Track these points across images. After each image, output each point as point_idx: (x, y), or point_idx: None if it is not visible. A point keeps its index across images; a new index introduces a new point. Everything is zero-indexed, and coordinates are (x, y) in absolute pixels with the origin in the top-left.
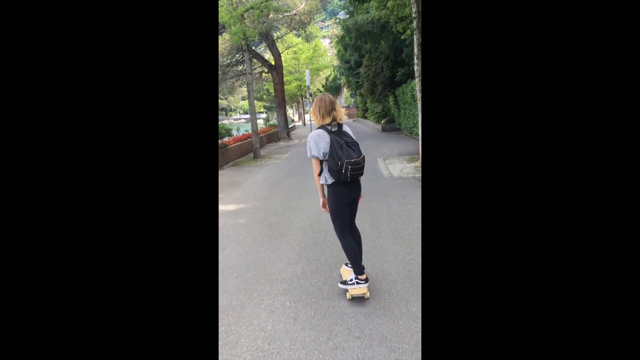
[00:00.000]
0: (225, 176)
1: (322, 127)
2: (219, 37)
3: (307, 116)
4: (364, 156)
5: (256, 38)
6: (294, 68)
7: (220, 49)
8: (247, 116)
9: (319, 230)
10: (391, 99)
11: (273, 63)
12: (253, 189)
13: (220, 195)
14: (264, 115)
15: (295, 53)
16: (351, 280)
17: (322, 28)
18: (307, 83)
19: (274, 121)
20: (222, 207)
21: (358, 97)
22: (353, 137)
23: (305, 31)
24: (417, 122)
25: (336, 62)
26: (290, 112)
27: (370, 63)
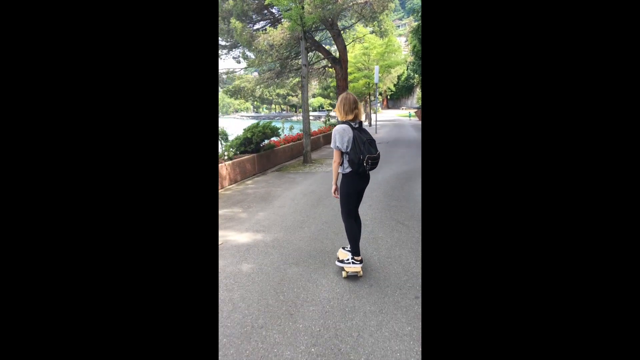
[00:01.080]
0: (262, 184)
1: (346, 122)
2: (279, 25)
3: (374, 116)
4: (379, 153)
5: (316, 25)
6: (364, 64)
7: (278, 39)
8: (317, 113)
9: (351, 312)
10: None
11: (337, 56)
12: (285, 208)
13: (242, 214)
14: (331, 113)
15: (367, 49)
16: (348, 260)
17: (398, 26)
18: (376, 80)
19: (335, 120)
20: (233, 237)
21: None
22: (373, 139)
23: (381, 27)
24: None
25: (410, 59)
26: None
27: None
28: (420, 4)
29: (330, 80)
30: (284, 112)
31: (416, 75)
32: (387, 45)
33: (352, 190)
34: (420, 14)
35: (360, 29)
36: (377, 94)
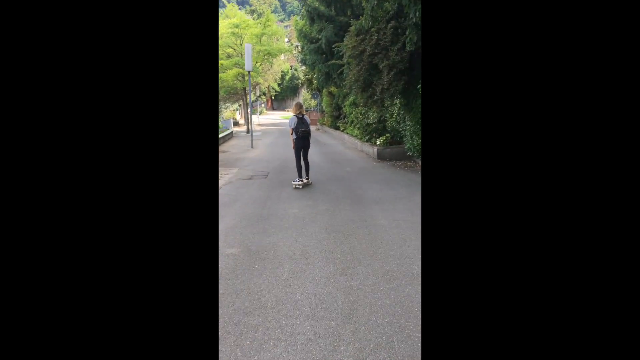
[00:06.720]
0: None
1: (295, 115)
2: None
3: (255, 118)
4: (309, 130)
5: None
6: (235, 49)
7: None
8: None
9: None
10: (399, 101)
11: None
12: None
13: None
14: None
15: (237, 27)
16: (295, 181)
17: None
18: (247, 66)
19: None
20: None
21: (325, 96)
22: (308, 124)
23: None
24: None
25: (293, 62)
26: (232, 110)
27: (369, 28)
28: (299, 7)
29: None
30: None
31: (301, 76)
32: (264, 25)
33: (298, 146)
34: (301, 15)
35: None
36: (251, 88)
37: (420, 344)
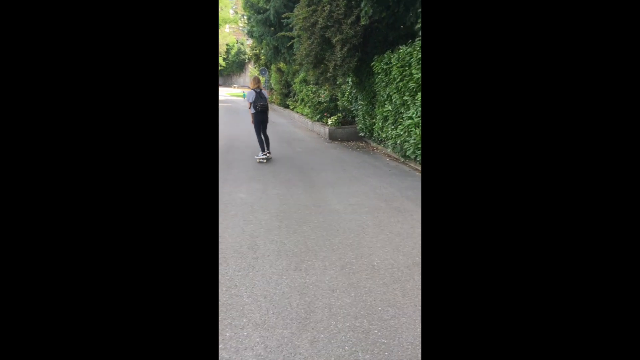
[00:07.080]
0: None
1: (253, 89)
2: None
3: None
4: (267, 104)
5: None
6: None
7: None
8: None
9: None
10: (351, 80)
11: None
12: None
13: None
14: None
15: None
16: (258, 155)
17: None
18: None
19: None
20: None
21: (273, 72)
22: (266, 98)
23: None
24: (418, 135)
25: (240, 36)
26: None
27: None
28: None
29: None
30: None
31: (247, 50)
32: None
33: (257, 120)
34: None
35: None
36: None
37: (387, 353)
